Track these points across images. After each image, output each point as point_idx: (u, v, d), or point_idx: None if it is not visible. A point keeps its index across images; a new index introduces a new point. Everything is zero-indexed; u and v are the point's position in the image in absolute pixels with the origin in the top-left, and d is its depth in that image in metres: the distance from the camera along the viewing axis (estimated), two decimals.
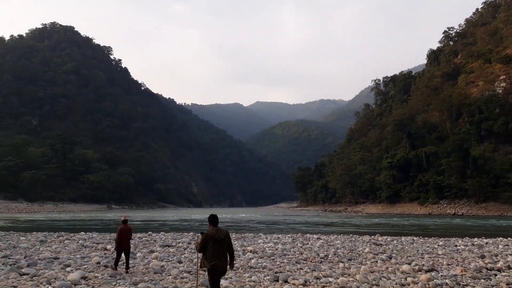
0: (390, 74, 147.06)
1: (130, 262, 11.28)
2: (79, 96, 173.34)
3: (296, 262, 11.82)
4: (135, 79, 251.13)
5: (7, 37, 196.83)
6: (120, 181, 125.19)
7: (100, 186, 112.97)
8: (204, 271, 6.79)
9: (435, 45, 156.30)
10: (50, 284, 8.13)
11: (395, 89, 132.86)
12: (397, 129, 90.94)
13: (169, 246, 15.60)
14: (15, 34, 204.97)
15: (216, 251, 5.90)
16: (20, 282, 8.34)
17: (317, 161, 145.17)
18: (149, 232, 22.50)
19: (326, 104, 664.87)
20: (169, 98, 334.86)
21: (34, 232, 21.80)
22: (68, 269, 9.93)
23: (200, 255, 6.17)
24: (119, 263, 10.23)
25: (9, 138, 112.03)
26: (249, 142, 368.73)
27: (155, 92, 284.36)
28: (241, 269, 10.67)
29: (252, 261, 11.80)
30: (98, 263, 10.93)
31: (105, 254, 13.09)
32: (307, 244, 16.96)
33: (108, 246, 14.91)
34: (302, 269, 10.71)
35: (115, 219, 45.43)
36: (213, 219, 6.14)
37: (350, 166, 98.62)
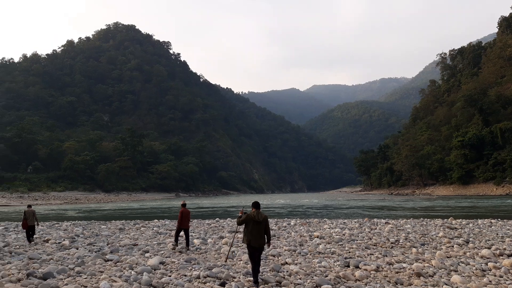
0: (457, 47, 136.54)
1: (202, 247, 11.81)
2: (143, 91, 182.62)
3: (365, 248, 11.55)
4: (194, 71, 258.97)
5: (76, 40, 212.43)
6: (185, 170, 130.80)
7: (168, 176, 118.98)
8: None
9: (507, 12, 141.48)
10: (132, 269, 8.72)
11: (464, 62, 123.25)
12: (468, 105, 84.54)
13: (237, 232, 16.05)
14: (83, 36, 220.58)
15: (254, 230, 7.19)
16: (106, 267, 9.04)
17: (381, 143, 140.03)
18: (217, 219, 23.32)
19: (387, 83, 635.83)
20: (227, 87, 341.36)
21: (113, 221, 23.55)
22: (147, 254, 10.60)
23: (239, 227, 8.21)
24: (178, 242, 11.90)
25: (84, 134, 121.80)
26: (307, 126, 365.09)
27: (213, 82, 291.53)
28: (310, 254, 10.67)
29: (320, 246, 11.73)
30: (173, 249, 11.55)
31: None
32: (375, 229, 16.49)
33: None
34: (373, 254, 10.45)
35: (189, 206, 47.55)
36: (256, 204, 7.46)
37: (417, 146, 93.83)
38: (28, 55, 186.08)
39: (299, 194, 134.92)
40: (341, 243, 12.57)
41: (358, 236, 14.06)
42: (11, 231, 17.13)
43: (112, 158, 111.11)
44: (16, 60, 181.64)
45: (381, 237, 13.78)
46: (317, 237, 14.15)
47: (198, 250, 11.50)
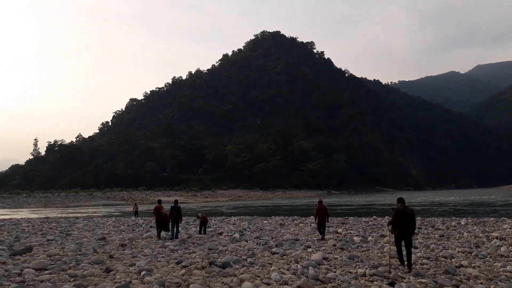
0: None
1: (363, 245, 11.58)
2: (290, 94, 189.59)
3: None
4: (338, 67, 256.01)
5: (230, 53, 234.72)
6: (335, 168, 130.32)
7: (318, 173, 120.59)
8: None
9: None
10: (298, 262, 9.13)
11: None
12: None
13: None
14: (235, 49, 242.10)
15: (402, 222, 8.09)
16: (273, 259, 9.70)
17: None
18: (374, 216, 22.58)
19: None
20: (374, 79, 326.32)
21: (273, 216, 25.12)
22: (309, 250, 10.96)
23: (390, 227, 8.43)
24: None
25: (241, 138, 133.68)
26: (472, 113, 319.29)
27: (359, 76, 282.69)
28: (489, 257, 9.41)
29: (502, 248, 10.21)
30: (334, 245, 11.64)
31: (337, 237, 13.84)
32: None
33: (339, 230, 15.71)
34: None
35: (341, 204, 47.55)
36: (401, 199, 8.43)
37: None
38: (193, 72, 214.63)
39: (465, 191, 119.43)
40: None
41: None
42: (191, 225, 19.95)
43: (266, 158, 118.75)
44: (184, 77, 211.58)
45: None
46: (497, 238, 12.33)
47: (359, 248, 11.31)
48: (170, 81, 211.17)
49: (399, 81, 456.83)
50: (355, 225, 17.98)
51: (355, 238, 12.99)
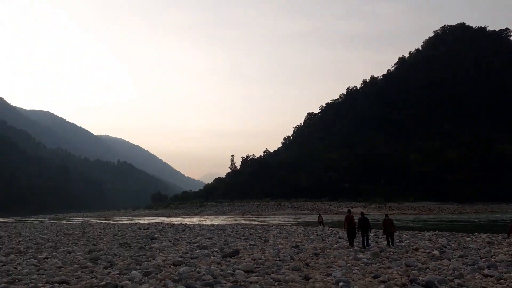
0: None
1: None
2: (483, 91, 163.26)
3: None
4: None
5: (406, 55, 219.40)
6: None
7: None
8: None
9: None
10: None
11: None
12: None
13: None
14: (412, 49, 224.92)
15: None
16: (488, 283, 8.40)
17: None
18: None
19: None
20: None
21: (476, 233, 21.83)
22: None
23: None
24: None
25: (426, 145, 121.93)
26: None
27: None
28: None
29: None
30: None
31: None
32: None
33: None
34: None
35: None
36: None
37: None
38: (367, 80, 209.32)
39: None
40: None
41: None
42: (381, 238, 19.13)
43: (459, 167, 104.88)
44: (358, 86, 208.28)
45: None
46: None
47: None
48: (344, 92, 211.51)
49: None
50: None
51: None
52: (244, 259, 11.90)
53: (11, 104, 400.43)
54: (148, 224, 40.31)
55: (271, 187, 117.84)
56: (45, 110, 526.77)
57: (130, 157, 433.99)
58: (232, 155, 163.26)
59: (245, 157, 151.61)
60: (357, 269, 10.01)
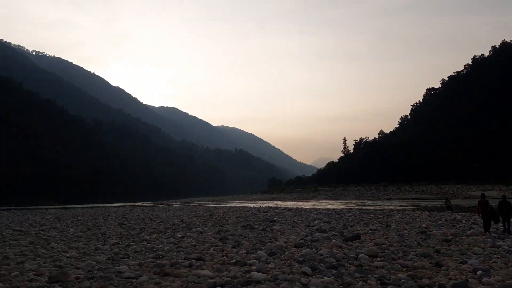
0: None
1: None
2: None
3: None
4: None
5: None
6: None
7: None
8: None
9: None
10: None
11: None
12: None
13: None
14: None
15: None
16: None
17: None
18: None
19: None
20: None
21: None
22: None
23: None
24: None
25: None
26: None
27: None
28: None
29: None
30: None
31: None
32: None
33: None
34: None
35: None
36: None
37: None
38: (497, 46, 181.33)
39: None
40: None
41: None
42: None
43: None
44: (486, 54, 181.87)
45: None
46: None
47: None
48: (470, 62, 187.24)
49: None
50: None
51: None
52: (367, 244, 11.63)
53: (143, 103, 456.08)
54: (267, 207, 42.12)
55: (388, 170, 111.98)
56: (171, 106, 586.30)
57: (246, 145, 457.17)
58: (344, 139, 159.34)
59: (358, 140, 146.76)
60: (497, 258, 8.97)
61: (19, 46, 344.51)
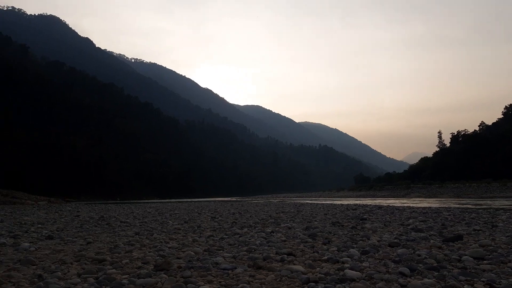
0: None
1: None
2: None
3: None
4: None
5: None
6: None
7: None
8: None
9: None
10: None
11: None
12: None
13: None
14: None
15: None
16: None
17: None
18: None
19: None
20: None
21: None
22: None
23: None
24: None
25: None
26: None
27: None
28: None
29: None
30: None
31: None
32: None
33: None
34: None
35: None
36: None
37: None
38: None
39: None
40: None
41: None
42: None
43: None
44: None
45: None
46: None
47: None
48: None
49: None
50: None
51: None
52: (470, 245, 10.66)
53: (230, 102, 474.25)
54: (355, 205, 40.98)
55: (491, 165, 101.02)
56: (255, 104, 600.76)
57: (330, 140, 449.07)
58: (439, 132, 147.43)
59: (456, 133, 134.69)
60: None
61: (120, 54, 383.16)
